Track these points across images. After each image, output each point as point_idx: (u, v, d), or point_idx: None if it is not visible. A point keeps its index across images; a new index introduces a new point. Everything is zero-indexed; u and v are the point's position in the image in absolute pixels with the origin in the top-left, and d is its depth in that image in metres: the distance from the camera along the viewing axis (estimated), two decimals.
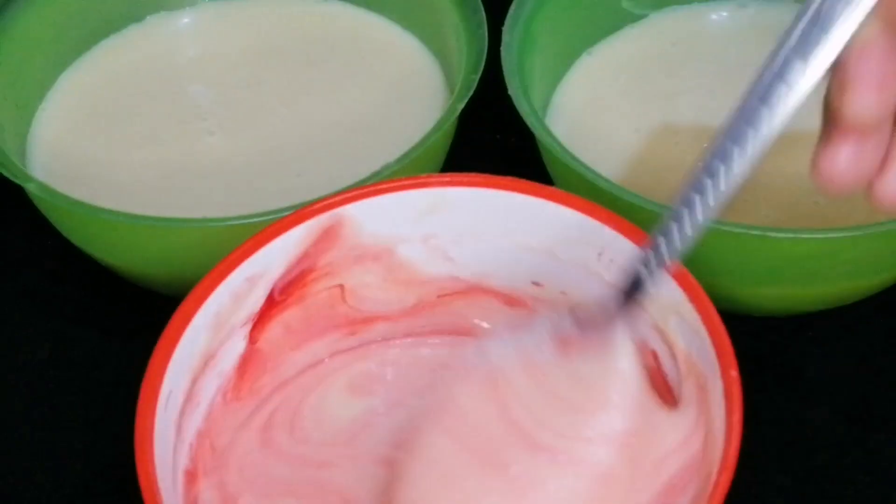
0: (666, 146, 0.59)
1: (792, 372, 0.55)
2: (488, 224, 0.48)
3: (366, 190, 0.48)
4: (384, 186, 0.48)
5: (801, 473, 0.51)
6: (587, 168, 0.51)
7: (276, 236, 0.47)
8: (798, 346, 0.56)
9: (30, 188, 0.52)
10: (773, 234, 0.49)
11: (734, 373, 0.41)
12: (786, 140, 0.59)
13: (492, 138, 0.63)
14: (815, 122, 0.59)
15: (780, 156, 0.58)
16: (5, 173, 0.52)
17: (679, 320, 0.44)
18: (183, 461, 0.45)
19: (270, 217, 0.48)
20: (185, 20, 0.66)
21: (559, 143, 0.53)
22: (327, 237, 0.48)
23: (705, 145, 0.58)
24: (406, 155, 0.52)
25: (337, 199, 0.47)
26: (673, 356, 0.46)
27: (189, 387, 0.45)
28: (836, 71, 0.36)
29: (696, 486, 0.43)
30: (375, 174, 0.51)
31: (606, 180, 0.51)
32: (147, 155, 0.60)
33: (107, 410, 0.54)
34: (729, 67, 0.62)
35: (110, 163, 0.59)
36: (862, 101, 0.36)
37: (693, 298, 0.43)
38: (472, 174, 0.48)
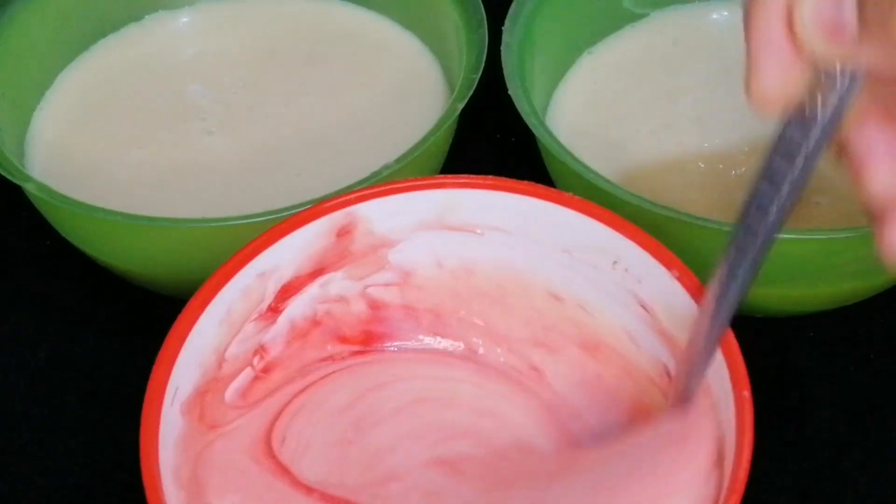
0: (667, 146, 0.58)
1: (793, 372, 0.55)
2: (503, 230, 0.48)
3: (380, 189, 0.47)
4: (399, 186, 0.47)
5: (801, 474, 0.51)
6: (587, 168, 0.51)
7: (288, 232, 0.46)
8: (799, 346, 0.55)
9: (28, 188, 0.52)
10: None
11: (746, 393, 0.40)
12: None
13: (492, 138, 0.63)
14: None
15: None
16: (4, 173, 0.52)
17: None
18: None
19: (269, 217, 0.48)
20: (184, 19, 0.66)
21: (559, 143, 0.53)
22: (341, 236, 0.47)
23: (706, 145, 0.58)
24: (406, 155, 0.52)
25: (352, 196, 0.47)
26: None
27: (199, 382, 0.45)
28: (844, 158, 0.36)
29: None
30: (375, 174, 0.51)
31: (606, 180, 0.51)
32: (146, 155, 0.60)
33: (106, 411, 0.54)
34: (730, 66, 0.62)
35: (109, 162, 0.59)
36: (880, 176, 0.35)
37: None
38: (489, 177, 0.47)
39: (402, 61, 0.63)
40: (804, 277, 0.52)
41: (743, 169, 0.57)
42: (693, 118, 0.59)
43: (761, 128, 0.59)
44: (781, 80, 0.34)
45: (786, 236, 0.49)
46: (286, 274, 0.47)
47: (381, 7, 0.65)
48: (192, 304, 0.44)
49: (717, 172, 0.57)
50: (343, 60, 0.64)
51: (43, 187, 0.52)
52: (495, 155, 0.63)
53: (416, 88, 0.62)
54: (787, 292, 0.53)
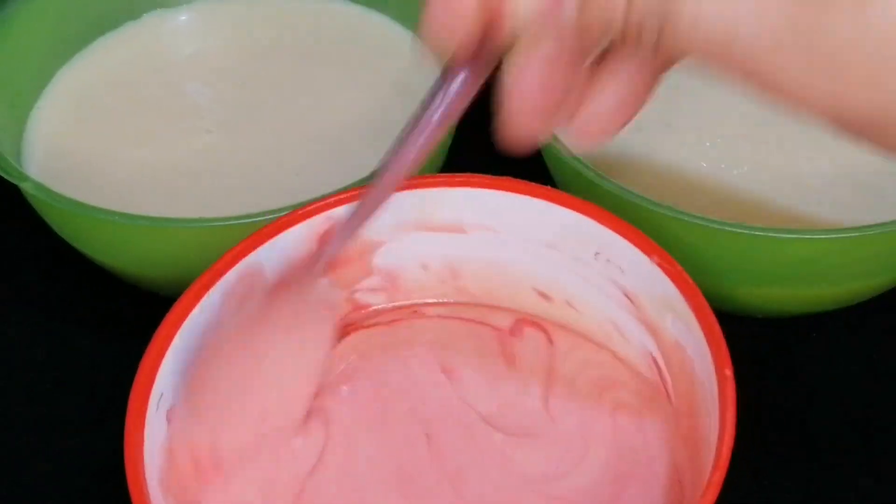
0: (668, 145, 0.58)
1: (794, 373, 0.54)
2: (486, 227, 0.48)
3: (359, 192, 0.47)
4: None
5: (803, 476, 0.51)
6: (588, 167, 0.51)
7: (270, 238, 0.46)
8: (800, 347, 0.55)
9: (25, 187, 0.52)
10: (774, 235, 0.48)
11: (728, 372, 0.41)
12: (788, 142, 0.59)
13: (492, 137, 0.63)
14: (815, 127, 0.59)
15: (784, 158, 0.58)
16: (1, 173, 0.52)
17: (675, 318, 0.44)
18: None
19: (268, 217, 0.48)
20: (183, 17, 0.66)
21: (560, 142, 0.52)
22: (323, 243, 0.47)
23: (707, 143, 0.58)
24: None
25: (332, 200, 0.47)
26: (666, 357, 0.46)
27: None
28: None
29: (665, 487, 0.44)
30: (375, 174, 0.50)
31: (608, 179, 0.50)
32: (144, 154, 0.59)
33: (103, 411, 0.54)
34: None
35: (107, 162, 0.59)
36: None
37: (688, 296, 0.43)
38: (467, 174, 0.48)
39: (402, 61, 0.63)
40: (805, 278, 0.52)
41: (745, 168, 0.57)
42: (694, 117, 0.59)
43: (763, 127, 0.59)
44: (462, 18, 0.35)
45: (786, 236, 0.49)
46: (271, 279, 0.47)
47: (381, 6, 0.65)
48: (177, 307, 0.44)
49: (718, 171, 0.57)
50: (343, 60, 0.64)
51: (40, 187, 0.52)
52: (495, 154, 0.63)
53: (416, 88, 0.62)
54: (788, 293, 0.53)
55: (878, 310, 0.56)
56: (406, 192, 0.47)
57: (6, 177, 0.52)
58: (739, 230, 0.48)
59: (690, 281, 0.44)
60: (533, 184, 0.47)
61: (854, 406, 0.53)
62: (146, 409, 0.42)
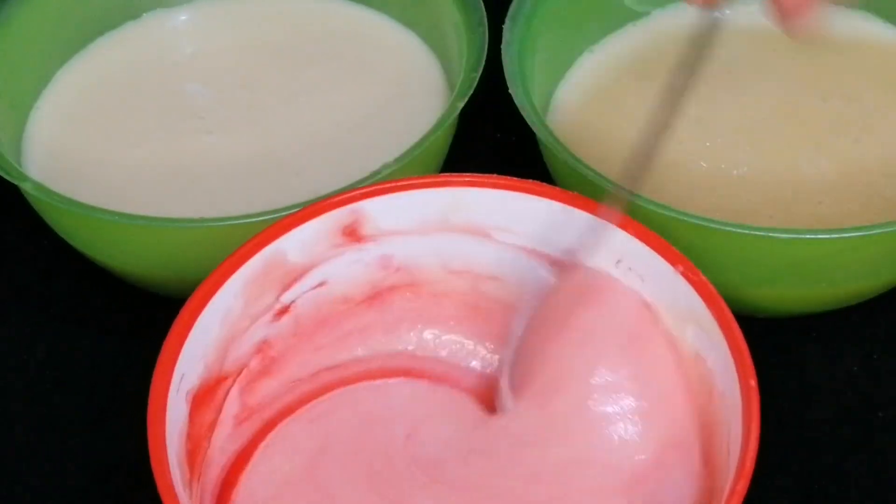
0: (668, 145, 0.58)
1: (795, 373, 0.54)
2: (505, 228, 0.48)
3: (386, 186, 0.47)
4: (405, 183, 0.47)
5: (804, 475, 0.51)
6: (588, 167, 0.51)
7: (293, 227, 0.46)
8: (801, 346, 0.55)
9: (25, 187, 0.52)
10: (776, 235, 0.48)
11: (753, 382, 0.41)
12: (788, 142, 0.59)
13: (492, 137, 0.63)
14: (815, 127, 0.59)
15: (784, 158, 0.58)
16: (1, 173, 0.52)
17: (698, 330, 0.44)
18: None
19: (268, 217, 0.48)
20: (183, 17, 0.66)
21: (560, 142, 0.52)
22: (346, 237, 0.47)
23: (707, 144, 0.58)
24: (406, 154, 0.52)
25: (357, 193, 0.47)
26: (683, 368, 0.46)
27: (203, 374, 0.45)
28: None
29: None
30: (375, 173, 0.50)
31: (608, 180, 0.50)
32: (144, 154, 0.59)
33: (103, 411, 0.54)
34: (732, 65, 0.61)
35: (106, 162, 0.59)
36: None
37: (712, 308, 0.43)
38: (494, 175, 0.47)
39: (402, 60, 0.63)
40: (806, 277, 0.52)
41: (745, 168, 0.57)
42: (694, 117, 0.59)
43: (763, 127, 0.59)
44: None
45: (787, 236, 0.49)
46: (293, 269, 0.47)
47: (381, 6, 0.65)
48: (199, 291, 0.44)
49: (718, 172, 0.57)
50: (342, 58, 0.64)
51: (40, 187, 0.52)
52: (496, 154, 0.63)
53: (416, 88, 0.62)
54: (790, 292, 0.53)
55: (878, 310, 0.56)
56: (432, 190, 0.47)
57: (6, 177, 0.52)
58: (739, 230, 0.48)
59: (714, 291, 0.43)
60: (557, 188, 0.47)
61: (854, 406, 0.53)
62: (168, 389, 0.41)
